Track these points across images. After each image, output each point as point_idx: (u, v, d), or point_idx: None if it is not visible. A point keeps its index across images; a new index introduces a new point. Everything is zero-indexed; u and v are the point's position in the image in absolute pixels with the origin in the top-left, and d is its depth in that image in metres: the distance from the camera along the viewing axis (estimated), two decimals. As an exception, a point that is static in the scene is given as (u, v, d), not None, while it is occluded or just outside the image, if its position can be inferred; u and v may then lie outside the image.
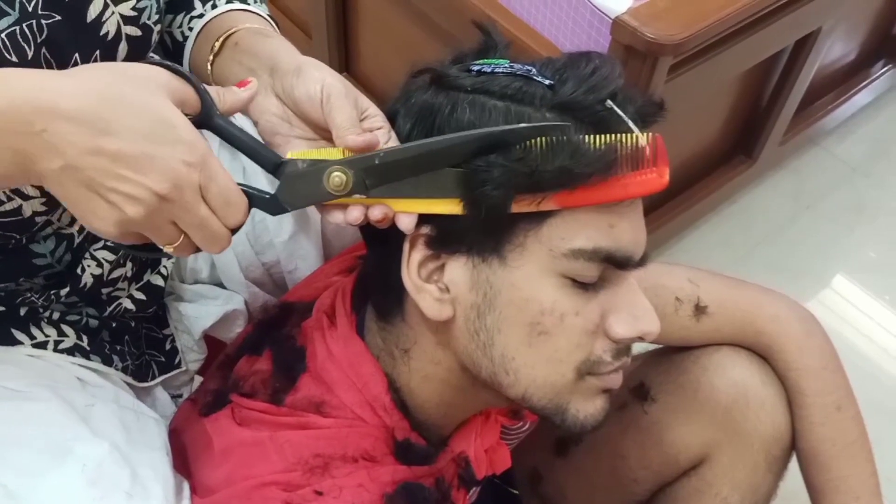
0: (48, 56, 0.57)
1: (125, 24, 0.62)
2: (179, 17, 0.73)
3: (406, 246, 0.57)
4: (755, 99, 1.48)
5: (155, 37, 0.66)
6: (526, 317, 0.56)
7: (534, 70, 0.57)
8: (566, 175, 0.52)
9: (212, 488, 0.60)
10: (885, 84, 1.81)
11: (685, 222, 1.55)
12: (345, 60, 1.62)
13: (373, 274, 0.65)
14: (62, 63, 0.59)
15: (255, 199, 0.55)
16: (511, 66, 0.58)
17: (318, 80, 0.59)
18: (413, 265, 0.57)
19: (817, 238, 1.65)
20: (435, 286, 0.58)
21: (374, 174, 0.55)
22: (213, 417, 0.65)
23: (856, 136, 1.83)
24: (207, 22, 0.70)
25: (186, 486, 0.63)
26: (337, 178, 0.54)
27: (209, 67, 0.68)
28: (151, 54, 0.67)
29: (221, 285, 0.83)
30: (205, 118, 0.55)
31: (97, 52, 0.61)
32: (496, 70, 0.58)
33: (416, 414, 0.63)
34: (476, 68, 0.58)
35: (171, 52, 0.74)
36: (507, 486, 0.92)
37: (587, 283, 0.56)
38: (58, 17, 0.57)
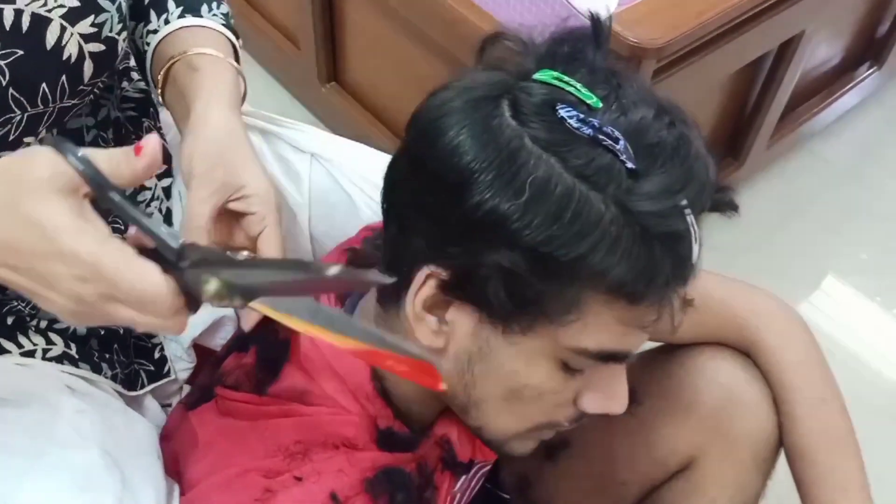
0: (16, 95, 0.57)
1: (87, 43, 0.62)
2: (140, 28, 0.73)
3: (418, 279, 0.55)
4: (741, 102, 1.49)
5: (122, 45, 0.65)
6: (509, 382, 0.58)
7: (620, 142, 0.51)
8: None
9: (196, 480, 0.61)
10: (871, 86, 1.82)
11: (674, 226, 1.56)
12: (332, 70, 1.63)
13: (385, 257, 0.61)
14: (31, 97, 0.59)
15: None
16: (597, 125, 0.51)
17: (188, 154, 0.62)
18: (419, 299, 0.56)
19: (806, 240, 1.66)
20: (435, 319, 0.57)
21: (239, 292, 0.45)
22: (198, 410, 0.66)
23: (842, 138, 1.84)
24: (160, 41, 0.71)
25: (177, 490, 0.63)
26: (212, 287, 0.45)
27: (161, 99, 0.70)
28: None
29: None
30: (99, 197, 0.47)
31: (63, 77, 0.61)
32: (582, 129, 0.51)
33: (399, 403, 0.64)
34: (563, 114, 0.51)
35: (140, 61, 0.75)
36: (499, 492, 0.92)
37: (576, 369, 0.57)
38: (20, 53, 0.57)
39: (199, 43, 0.70)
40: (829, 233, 1.68)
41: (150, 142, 0.48)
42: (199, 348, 0.82)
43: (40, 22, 0.58)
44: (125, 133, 0.77)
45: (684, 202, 0.51)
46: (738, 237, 1.64)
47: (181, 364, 0.82)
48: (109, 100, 0.75)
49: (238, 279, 0.44)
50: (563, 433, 0.86)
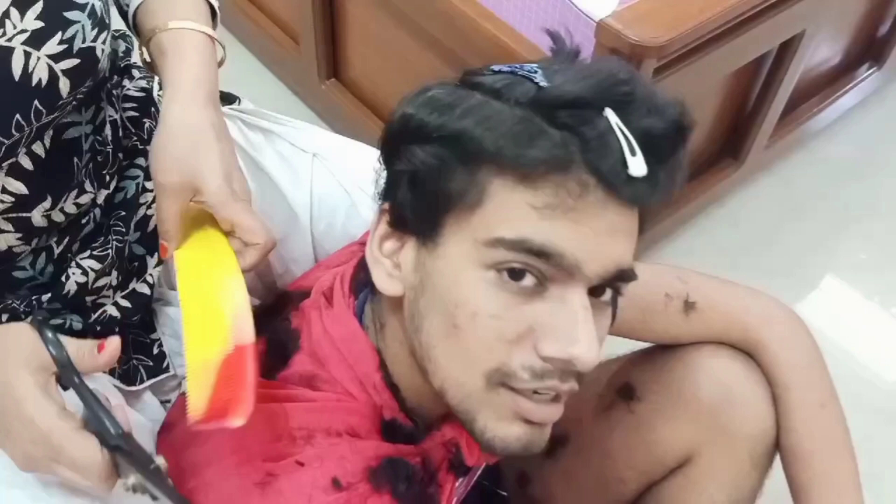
0: None
1: (57, 62, 0.60)
2: None
3: (376, 220, 0.60)
4: (741, 101, 1.49)
5: (102, 49, 0.64)
6: (444, 306, 0.56)
7: (539, 72, 0.56)
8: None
9: (200, 464, 0.61)
10: (871, 87, 1.83)
11: (673, 225, 1.56)
12: (332, 67, 1.63)
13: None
14: (4, 129, 0.58)
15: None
16: (518, 66, 0.57)
17: (151, 156, 0.63)
18: (377, 238, 0.60)
19: (805, 240, 1.66)
20: (390, 261, 0.60)
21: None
22: None
23: (841, 138, 1.84)
24: (138, 7, 0.70)
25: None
26: (130, 482, 0.55)
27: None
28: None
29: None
30: (62, 377, 0.56)
31: (35, 102, 0.59)
32: (503, 69, 0.57)
33: (407, 396, 0.63)
34: (496, 68, 0.58)
35: (125, 21, 0.74)
36: (496, 488, 0.92)
37: (521, 287, 0.53)
38: None
39: (171, 12, 0.68)
40: (828, 233, 1.68)
41: (112, 343, 0.57)
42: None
43: (2, 54, 0.57)
44: (125, 135, 0.77)
45: (607, 111, 0.53)
46: (737, 235, 1.65)
47: (180, 360, 0.82)
48: (109, 102, 0.74)
49: (147, 486, 0.54)
50: (562, 429, 0.87)
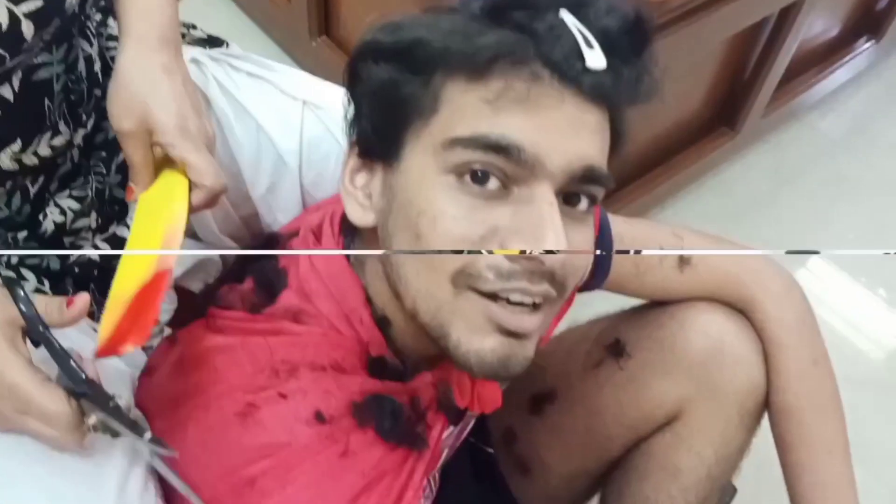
0: None
1: (17, 5, 0.58)
2: None
3: (345, 152, 0.61)
4: (738, 69, 1.47)
5: None
6: (408, 218, 0.54)
7: None
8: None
9: (179, 400, 0.60)
10: (867, 60, 1.82)
11: (666, 192, 1.55)
12: (323, 24, 1.60)
13: None
14: None
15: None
16: None
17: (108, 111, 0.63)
18: (348, 172, 0.60)
19: (796, 213, 1.66)
20: (361, 192, 0.60)
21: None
22: (186, 329, 0.65)
23: (837, 111, 1.83)
24: None
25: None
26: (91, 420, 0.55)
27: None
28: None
29: (196, 237, 0.81)
30: (31, 332, 0.56)
31: None
32: None
33: (396, 335, 0.62)
34: None
35: None
36: (483, 446, 0.91)
37: (484, 190, 0.52)
38: None
39: None
40: (819, 206, 1.69)
41: (81, 299, 0.57)
42: (180, 290, 0.81)
43: None
44: (107, 74, 0.73)
45: (562, 12, 0.52)
46: (729, 206, 1.65)
47: (162, 305, 0.80)
48: (83, 35, 0.71)
49: (108, 422, 0.55)
50: (549, 386, 0.86)
